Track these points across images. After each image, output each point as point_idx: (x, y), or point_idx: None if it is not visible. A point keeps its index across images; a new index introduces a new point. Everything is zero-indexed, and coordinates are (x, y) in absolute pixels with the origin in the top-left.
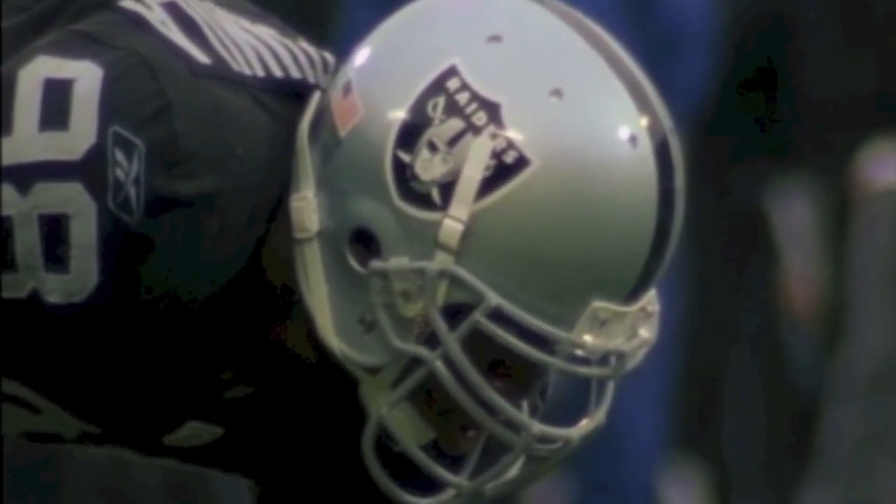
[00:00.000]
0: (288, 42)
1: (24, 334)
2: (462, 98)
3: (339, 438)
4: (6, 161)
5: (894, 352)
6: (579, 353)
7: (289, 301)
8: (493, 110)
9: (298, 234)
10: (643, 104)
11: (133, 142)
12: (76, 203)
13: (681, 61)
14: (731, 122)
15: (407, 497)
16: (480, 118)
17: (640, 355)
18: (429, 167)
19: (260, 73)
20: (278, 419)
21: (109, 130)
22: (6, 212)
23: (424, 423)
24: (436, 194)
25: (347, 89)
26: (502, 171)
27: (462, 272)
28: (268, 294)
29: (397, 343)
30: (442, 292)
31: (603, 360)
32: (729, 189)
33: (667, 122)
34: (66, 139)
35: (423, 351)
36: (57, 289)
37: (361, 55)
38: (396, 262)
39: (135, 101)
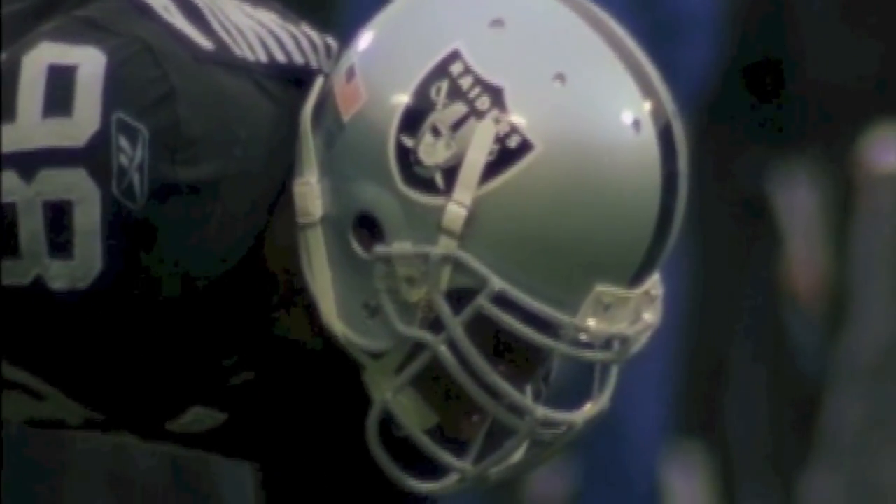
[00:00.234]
0: (290, 27)
1: (28, 321)
2: (465, 82)
3: (342, 424)
4: (9, 148)
5: None
6: (583, 337)
7: (292, 286)
8: (496, 95)
9: (302, 220)
10: (647, 89)
11: (136, 128)
12: (80, 189)
13: (684, 46)
14: (734, 107)
15: (411, 482)
16: (484, 102)
17: (643, 339)
18: (432, 152)
19: (263, 58)
20: (282, 405)
21: (113, 117)
22: (10, 199)
23: (428, 408)
24: (439, 179)
25: (351, 74)
26: (506, 155)
27: (466, 257)
28: (271, 280)
29: (401, 328)
30: (446, 277)
31: (606, 344)
32: (732, 174)
33: (670, 106)
34: (70, 125)
35: (427, 336)
36: (61, 275)
37: (365, 40)
38: (400, 247)
39: (138, 88)
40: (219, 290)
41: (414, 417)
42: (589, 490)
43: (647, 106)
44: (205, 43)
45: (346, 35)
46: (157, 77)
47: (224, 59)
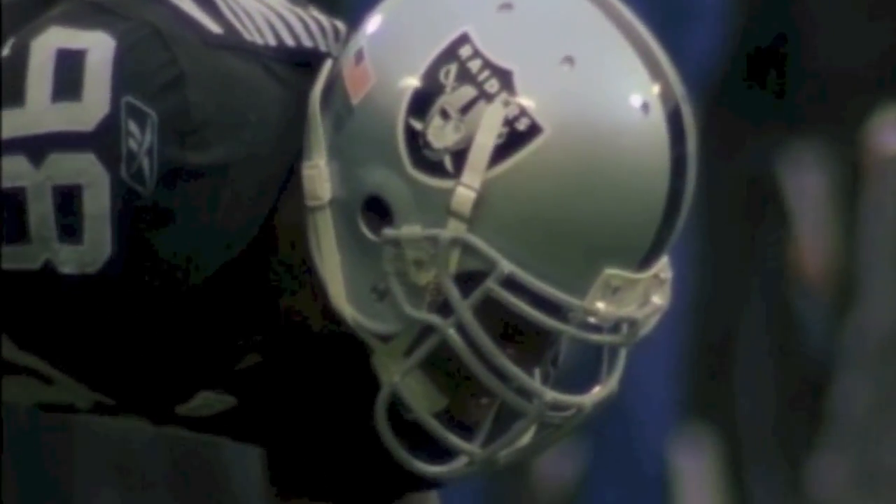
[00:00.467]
0: (299, 10)
1: (38, 306)
2: (474, 65)
3: (351, 407)
4: (19, 132)
5: None
6: (592, 320)
7: (301, 270)
8: (505, 78)
9: (310, 203)
10: (655, 71)
11: (146, 112)
12: (89, 174)
13: (692, 29)
14: (742, 90)
15: (419, 465)
16: (493, 85)
17: (652, 322)
18: (441, 135)
19: (272, 42)
20: (291, 388)
21: (122, 101)
22: (19, 183)
23: (437, 391)
24: (448, 162)
25: (359, 57)
26: (514, 138)
27: (474, 240)
28: (280, 263)
29: (410, 311)
30: (454, 260)
31: (615, 327)
32: (740, 157)
33: (679, 89)
34: (79, 110)
35: (435, 319)
36: (70, 260)
37: (373, 23)
38: (409, 230)
39: (147, 72)
40: (228, 273)
41: (422, 400)
42: (597, 472)
43: (655, 89)
44: (214, 27)
45: (354, 18)
46: (166, 61)
47: (233, 43)
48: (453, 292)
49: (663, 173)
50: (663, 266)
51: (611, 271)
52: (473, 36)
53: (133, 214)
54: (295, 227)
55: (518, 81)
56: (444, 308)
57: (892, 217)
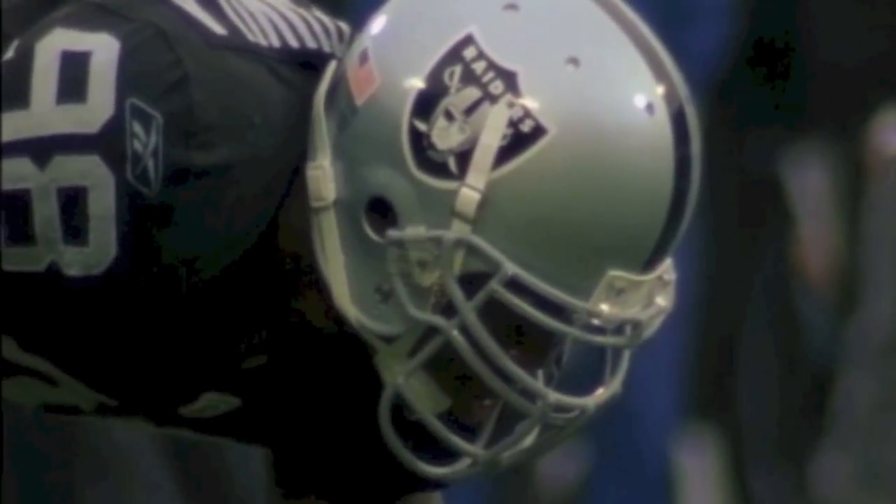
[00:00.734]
0: (303, 11)
1: (43, 307)
2: (479, 67)
3: (355, 408)
4: (23, 134)
5: None
6: (595, 322)
7: (306, 270)
8: (509, 79)
9: (315, 203)
10: (659, 72)
11: (150, 113)
12: (94, 176)
13: (695, 29)
14: (745, 89)
15: (423, 466)
16: (497, 87)
17: (656, 324)
18: (445, 136)
19: (276, 43)
20: (295, 389)
21: (127, 102)
22: (24, 185)
23: (440, 392)
24: (452, 163)
25: (364, 58)
26: (519, 139)
27: (479, 241)
28: (284, 264)
29: (414, 312)
30: (458, 261)
31: (619, 328)
32: (743, 156)
33: (683, 89)
34: (84, 112)
35: (439, 320)
36: (76, 261)
37: (378, 23)
38: (413, 231)
39: (152, 73)
40: (233, 274)
41: (426, 401)
42: (601, 472)
43: (660, 89)
44: (218, 28)
45: (358, 19)
46: (170, 62)
47: (237, 45)
48: (457, 293)
49: (668, 174)
50: (667, 267)
51: (615, 273)
52: (478, 37)
53: (138, 216)
54: (299, 228)
55: (522, 82)
56: (448, 309)
57: (894, 216)
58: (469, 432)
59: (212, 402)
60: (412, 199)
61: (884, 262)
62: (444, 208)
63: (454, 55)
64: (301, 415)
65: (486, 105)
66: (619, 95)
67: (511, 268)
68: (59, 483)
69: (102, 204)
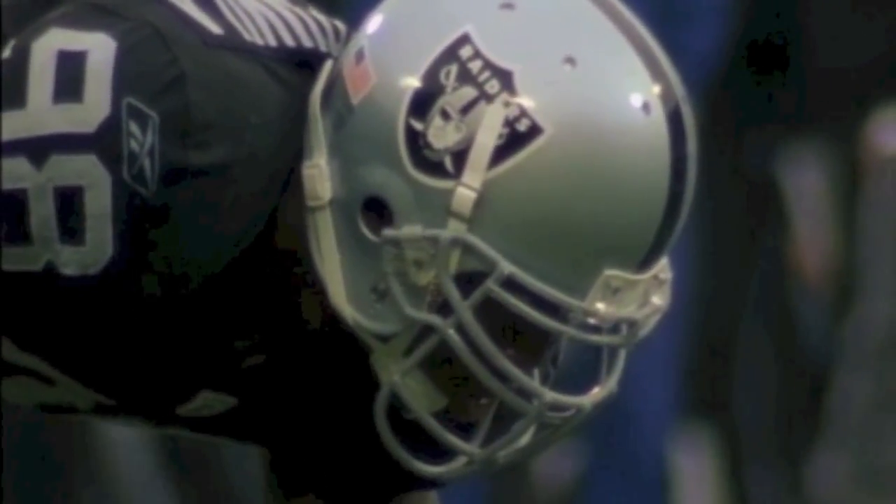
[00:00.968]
0: (299, 11)
1: (40, 307)
2: (475, 66)
3: (351, 406)
4: (20, 134)
5: None
6: (591, 321)
7: (302, 270)
8: (505, 78)
9: (311, 203)
10: (656, 72)
11: (147, 113)
12: (91, 175)
13: (692, 29)
14: (741, 89)
15: (418, 465)
16: (493, 86)
17: (651, 323)
18: (441, 135)
19: (272, 42)
20: (291, 388)
21: (123, 102)
22: (21, 185)
23: (436, 391)
24: (448, 162)
25: (360, 57)
26: (515, 139)
27: (475, 240)
28: (281, 263)
29: (410, 311)
30: (454, 260)
31: (615, 328)
32: (739, 156)
33: (679, 89)
34: (81, 111)
35: (435, 319)
36: (72, 261)
37: (374, 22)
38: (409, 230)
39: (148, 73)
40: (230, 274)
41: (422, 400)
42: (597, 472)
43: (656, 89)
44: (214, 28)
45: (354, 18)
46: (167, 62)
47: (233, 44)
48: (453, 293)
49: (664, 174)
50: (663, 267)
51: (611, 272)
52: (474, 36)
53: (135, 215)
54: (296, 227)
55: (519, 82)
56: (444, 308)
57: (891, 216)
58: (465, 431)
59: (208, 402)
60: (408, 198)
61: (881, 262)
62: (441, 207)
63: (450, 54)
64: (297, 414)
65: (482, 104)
66: (616, 95)
67: (507, 267)
68: (56, 485)
69: (99, 203)
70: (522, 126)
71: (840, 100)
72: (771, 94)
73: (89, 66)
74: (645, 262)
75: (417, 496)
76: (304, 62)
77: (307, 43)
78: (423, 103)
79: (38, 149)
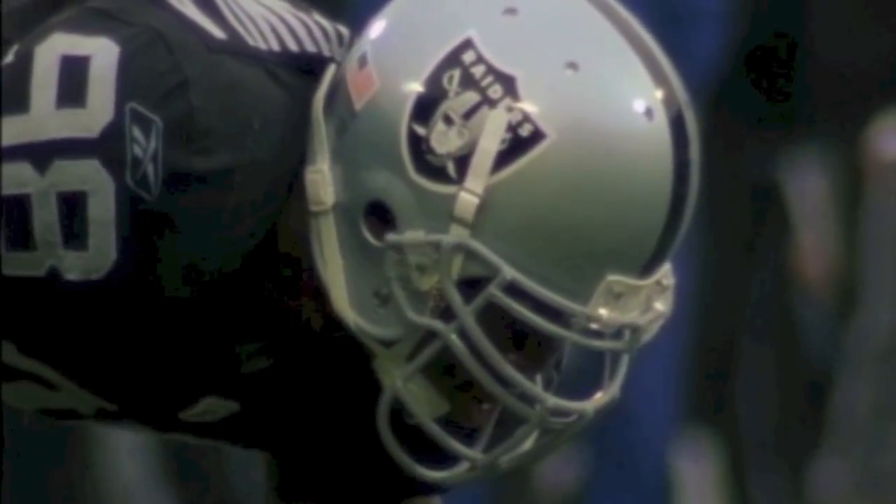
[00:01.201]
0: (302, 15)
1: (43, 312)
2: (478, 71)
3: (354, 411)
4: (23, 139)
5: None
6: (594, 326)
7: (305, 275)
8: (508, 83)
9: (313, 207)
10: (658, 77)
11: (150, 118)
12: (94, 180)
13: (694, 33)
14: (743, 94)
15: (421, 470)
16: (496, 91)
17: (654, 329)
18: (444, 140)
19: (275, 47)
20: (294, 393)
21: (127, 107)
22: (24, 190)
23: (439, 396)
24: (451, 167)
25: (363, 62)
26: (518, 144)
27: (477, 245)
28: (284, 268)
29: (412, 316)
30: (457, 266)
31: (617, 333)
32: (742, 161)
33: (682, 94)
34: (84, 116)
35: (437, 324)
36: (75, 266)
37: (377, 27)
38: (412, 235)
39: (151, 78)
40: (233, 279)
41: (424, 405)
42: (599, 477)
43: (658, 94)
44: (217, 32)
45: (357, 22)
46: (170, 67)
47: (236, 49)
48: (456, 298)
49: (666, 179)
50: (666, 272)
51: (613, 277)
52: (477, 41)
53: (138, 221)
54: (299, 232)
55: (521, 87)
56: (447, 313)
57: (892, 221)
58: (468, 436)
59: (211, 407)
60: (411, 203)
61: (882, 268)
62: (443, 212)
63: (453, 59)
64: (300, 419)
65: (484, 109)
66: (618, 100)
67: (510, 272)
68: (57, 489)
69: (102, 209)
70: (525, 131)
71: (841, 105)
72: (772, 100)
73: (92, 71)
74: (648, 268)
75: (420, 501)
76: (308, 67)
77: (310, 47)
78: (425, 108)
79: (41, 154)
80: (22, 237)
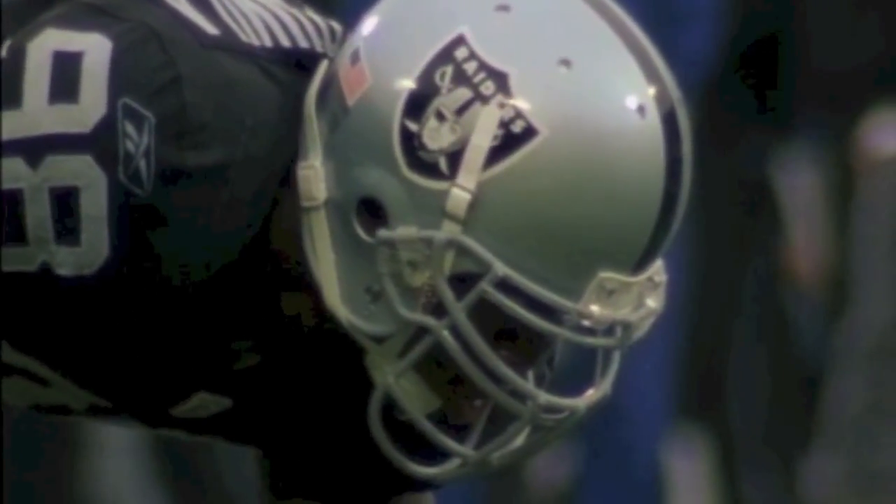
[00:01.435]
0: (295, 11)
1: (35, 307)
2: (470, 67)
3: (346, 408)
4: (16, 134)
5: None
6: (586, 323)
7: (297, 270)
8: (501, 80)
9: (306, 203)
10: (651, 74)
11: (143, 114)
12: (86, 176)
13: (686, 30)
14: (735, 91)
15: (413, 466)
16: (488, 87)
17: (646, 326)
18: (436, 136)
19: (268, 43)
20: (286, 389)
21: (119, 102)
22: (16, 185)
23: (430, 393)
24: (443, 164)
25: (356, 58)
26: (510, 140)
27: (469, 242)
28: (277, 264)
29: (404, 312)
30: (449, 262)
31: (609, 330)
32: (733, 158)
33: (674, 91)
34: (77, 112)
35: (429, 320)
36: (68, 262)
37: (370, 24)
38: (404, 231)
39: (144, 74)
40: (225, 275)
41: (416, 402)
42: (591, 473)
43: (651, 91)
44: (210, 29)
45: (350, 19)
46: (163, 63)
47: (230, 45)
48: (447, 294)
49: (659, 176)
50: (658, 269)
51: (605, 274)
52: (469, 38)
53: (130, 216)
54: (291, 228)
55: (514, 83)
56: (439, 310)
57: (884, 218)
58: (459, 433)
59: (204, 403)
60: (403, 199)
61: (873, 265)
62: (435, 209)
63: (446, 56)
64: (292, 415)
65: (477, 105)
66: (611, 97)
67: (501, 268)
68: (50, 486)
69: (95, 204)
70: (517, 128)
71: (833, 102)
72: (764, 96)
73: (85, 67)
74: (640, 265)
75: (412, 498)
76: (300, 63)
77: (303, 43)
78: (418, 104)
79: (34, 149)
80: (14, 232)
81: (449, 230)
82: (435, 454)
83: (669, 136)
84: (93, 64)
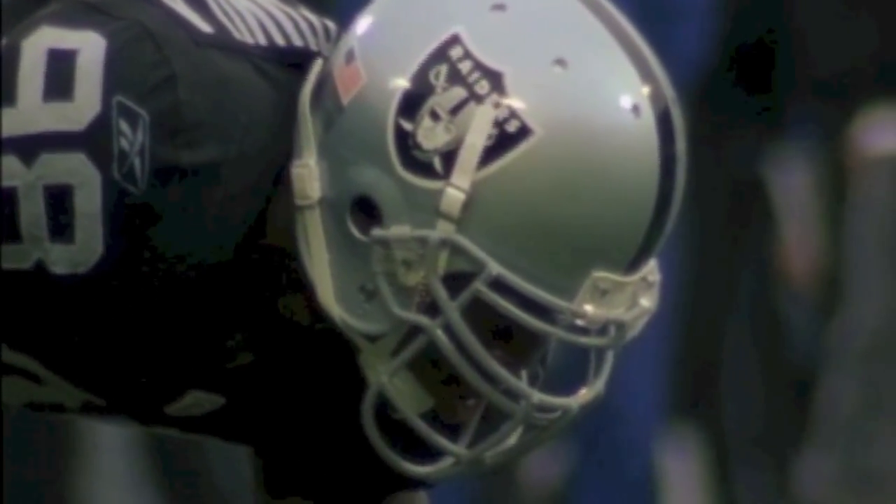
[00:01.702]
0: (289, 10)
1: (29, 305)
2: (465, 67)
3: (339, 406)
4: (10, 132)
5: (892, 319)
6: (580, 322)
7: (291, 269)
8: (495, 79)
9: (300, 202)
10: (645, 73)
11: (137, 112)
12: (80, 174)
13: (679, 29)
14: (728, 90)
15: (406, 465)
16: (483, 87)
17: (640, 325)
18: (431, 136)
19: (262, 41)
20: (280, 388)
21: (114, 100)
22: (10, 183)
23: (424, 392)
24: (438, 163)
25: (350, 57)
26: (504, 140)
27: (463, 241)
28: (271, 262)
29: (398, 311)
30: (443, 261)
31: (603, 329)
32: (726, 157)
33: (669, 91)
34: (71, 110)
35: (423, 319)
36: (62, 259)
37: (365, 22)
38: (398, 230)
39: (138, 71)
40: (219, 273)
41: (409, 400)
42: (584, 473)
43: (645, 90)
44: (205, 27)
45: (344, 18)
46: (157, 61)
47: (224, 43)
48: (441, 293)
49: (653, 175)
50: (651, 269)
51: (599, 274)
52: (464, 37)
53: (125, 214)
54: (285, 226)
55: (509, 83)
56: (432, 309)
57: (878, 218)
58: (453, 432)
59: (197, 401)
60: (397, 198)
61: (867, 264)
62: (429, 208)
63: (440, 55)
64: (286, 413)
65: (471, 105)
66: (606, 96)
67: (495, 268)
68: (45, 485)
69: (89, 202)
70: (512, 127)
71: (826, 101)
72: (757, 95)
73: (79, 65)
74: (633, 264)
75: (406, 497)
76: (295, 62)
77: (297, 42)
78: (412, 104)
79: (28, 147)
80: (8, 230)
81: (443, 229)
82: (428, 453)
83: (664, 135)
84: (87, 62)
